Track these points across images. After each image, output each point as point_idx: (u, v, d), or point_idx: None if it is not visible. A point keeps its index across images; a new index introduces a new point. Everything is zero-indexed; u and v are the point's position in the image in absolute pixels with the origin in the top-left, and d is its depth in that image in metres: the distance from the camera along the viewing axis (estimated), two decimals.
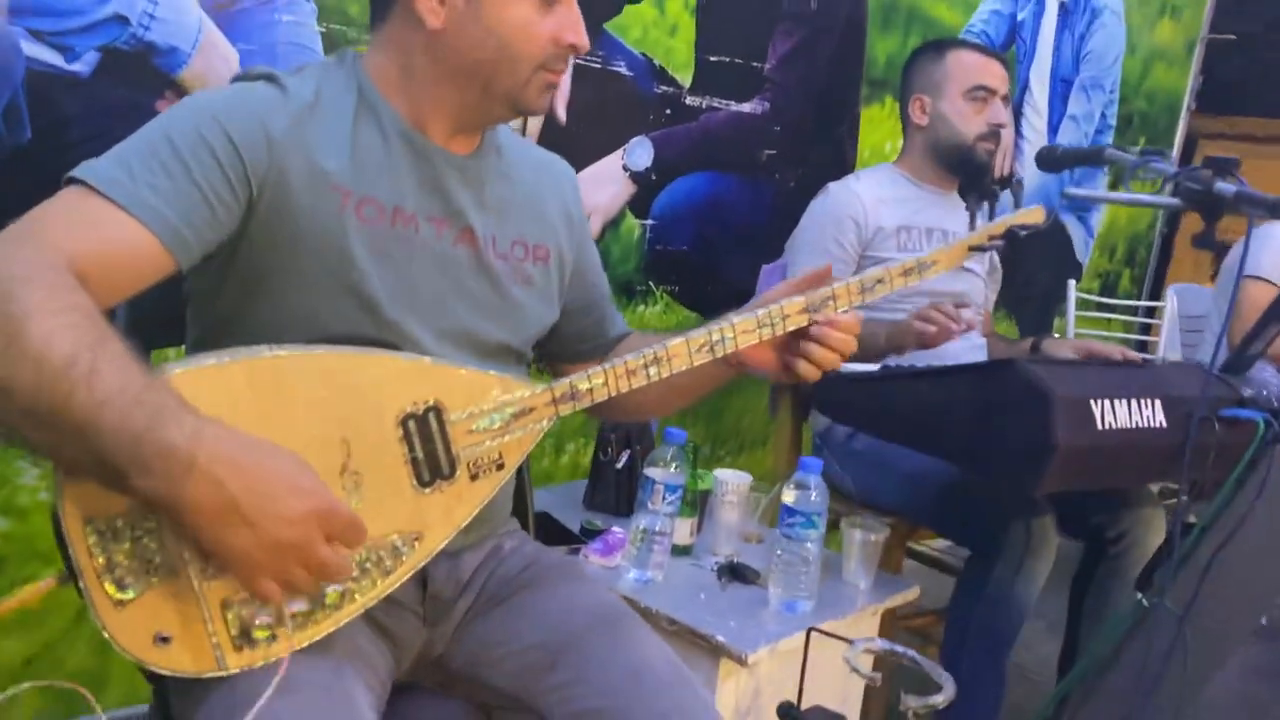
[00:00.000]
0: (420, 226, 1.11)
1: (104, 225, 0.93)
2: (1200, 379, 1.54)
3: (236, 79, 1.09)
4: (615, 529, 1.71)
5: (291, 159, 1.03)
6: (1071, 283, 3.61)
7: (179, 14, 1.68)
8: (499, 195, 1.19)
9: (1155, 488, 2.32)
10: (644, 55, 2.32)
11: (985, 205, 1.59)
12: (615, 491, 1.87)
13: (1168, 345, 3.63)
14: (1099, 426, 1.37)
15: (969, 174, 2.20)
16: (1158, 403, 1.45)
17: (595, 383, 1.09)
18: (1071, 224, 3.68)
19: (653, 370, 1.11)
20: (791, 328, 1.18)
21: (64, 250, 0.89)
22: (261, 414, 0.92)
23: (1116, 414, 1.39)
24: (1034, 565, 1.80)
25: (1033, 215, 1.36)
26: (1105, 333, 3.84)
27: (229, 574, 0.90)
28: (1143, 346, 3.78)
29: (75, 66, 1.61)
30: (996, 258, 2.37)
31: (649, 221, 2.41)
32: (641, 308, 2.43)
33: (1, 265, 0.85)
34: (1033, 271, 3.52)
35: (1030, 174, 3.38)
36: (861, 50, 2.77)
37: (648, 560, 1.59)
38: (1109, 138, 3.70)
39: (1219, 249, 1.47)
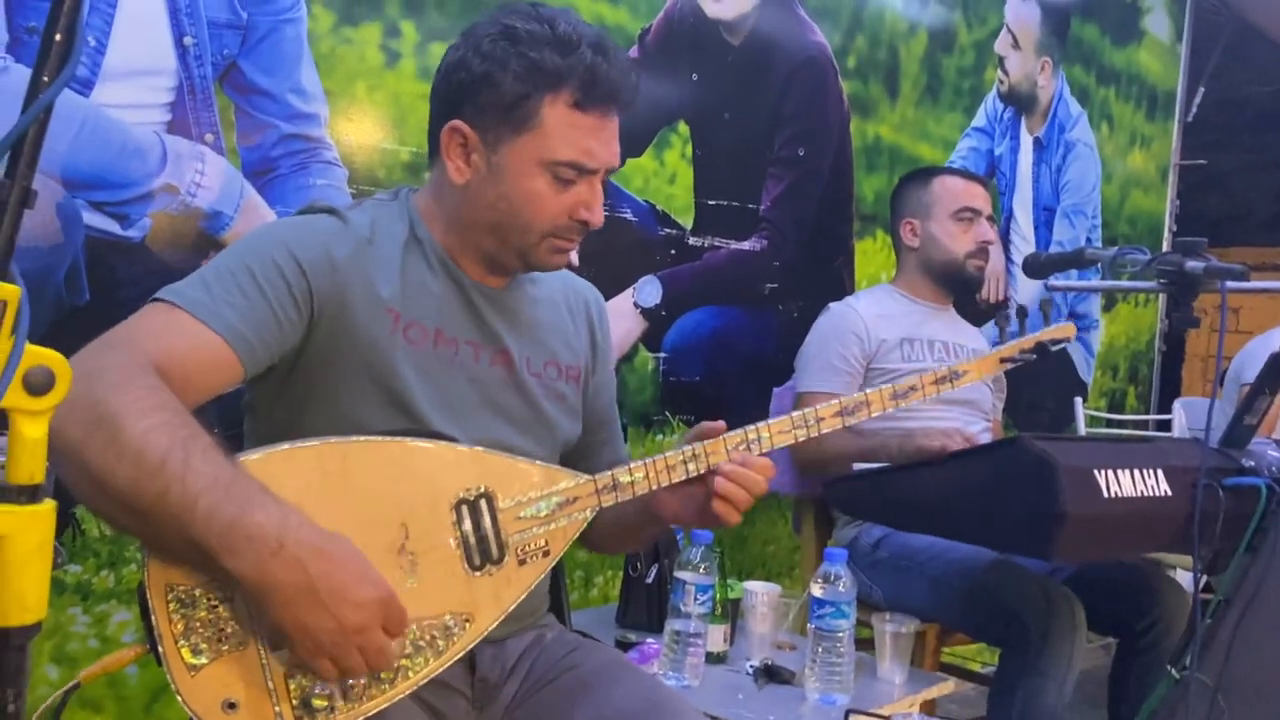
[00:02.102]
0: (460, 348, 1.20)
1: (186, 336, 1.04)
2: (1199, 452, 1.61)
3: (302, 212, 1.22)
4: (650, 640, 1.75)
5: (351, 283, 1.14)
6: (1078, 400, 3.69)
7: (223, 181, 1.85)
8: (531, 321, 1.29)
9: (1178, 575, 2.34)
10: (647, 202, 2.49)
11: (1017, 324, 1.67)
12: (647, 607, 1.91)
13: None
14: (1105, 495, 1.43)
15: (962, 289, 2.32)
16: (1159, 473, 1.51)
17: (636, 476, 1.16)
18: (1070, 343, 3.79)
19: (690, 466, 1.17)
20: (826, 430, 1.23)
21: (150, 355, 0.99)
22: (328, 496, 1.00)
23: (1121, 483, 1.46)
24: (1067, 653, 1.82)
25: (1064, 330, 1.46)
26: None
27: (293, 650, 0.96)
28: None
29: (130, 232, 1.76)
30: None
31: (661, 355, 2.52)
32: (660, 437, 2.52)
33: (95, 370, 0.95)
34: (1038, 395, 3.61)
35: (1025, 296, 3.51)
36: (850, 189, 2.95)
37: (683, 665, 1.62)
38: None
39: (1196, 324, 1.57)
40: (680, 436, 2.61)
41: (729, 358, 2.66)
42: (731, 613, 1.81)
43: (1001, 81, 3.42)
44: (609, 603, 2.26)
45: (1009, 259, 3.46)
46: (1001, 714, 1.87)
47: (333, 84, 1.98)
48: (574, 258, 2.34)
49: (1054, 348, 1.41)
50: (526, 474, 1.13)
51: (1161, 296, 4.35)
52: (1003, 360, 1.38)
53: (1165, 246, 4.28)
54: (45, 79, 0.68)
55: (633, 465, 1.16)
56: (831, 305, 2.29)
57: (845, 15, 2.92)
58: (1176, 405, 3.88)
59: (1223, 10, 4.40)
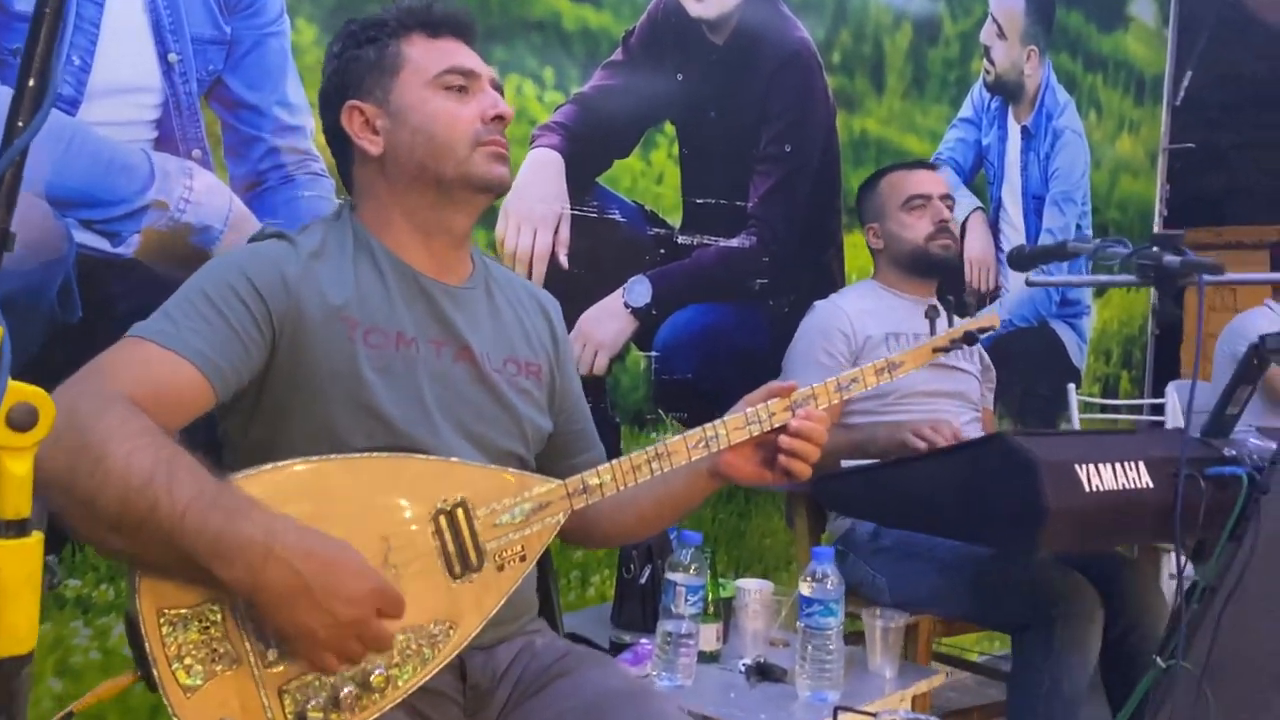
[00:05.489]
0: (420, 347, 1.24)
1: (156, 365, 1.07)
2: (1181, 442, 1.62)
3: (252, 239, 1.27)
4: (644, 640, 1.77)
5: (306, 299, 1.18)
6: (1071, 386, 3.70)
7: (212, 196, 1.86)
8: (490, 318, 1.33)
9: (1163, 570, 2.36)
10: (635, 202, 2.51)
11: (944, 314, 1.70)
12: (641, 607, 1.92)
13: None
14: (1086, 489, 1.45)
15: (936, 271, 2.35)
16: (1141, 464, 1.53)
17: (604, 478, 1.20)
18: (1062, 330, 3.80)
19: (655, 465, 1.22)
20: (777, 424, 1.28)
21: (123, 386, 1.03)
22: (311, 515, 1.02)
23: (1102, 477, 1.48)
24: (1092, 633, 1.84)
25: (988, 320, 1.53)
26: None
27: (295, 650, 0.99)
28: None
29: (120, 249, 1.78)
30: (988, 357, 2.49)
31: (653, 353, 2.54)
32: (653, 435, 2.53)
33: (74, 403, 0.98)
34: (1031, 382, 3.63)
35: (1017, 284, 3.53)
36: (837, 183, 2.96)
37: (675, 664, 1.64)
38: None
39: (1179, 317, 1.58)
40: (674, 434, 2.63)
41: (721, 354, 2.68)
42: (724, 611, 1.83)
43: (988, 71, 3.43)
44: (605, 602, 2.28)
45: (999, 248, 3.47)
46: (1026, 700, 1.87)
47: (318, 96, 1.99)
48: (564, 259, 2.36)
49: (981, 335, 1.48)
50: (500, 482, 1.16)
51: None
52: (935, 350, 1.44)
53: (1155, 231, 4.29)
54: (20, 124, 0.70)
55: (600, 468, 1.21)
56: (817, 304, 2.32)
57: (829, 10, 2.93)
58: (1170, 389, 3.89)
59: None
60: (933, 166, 2.48)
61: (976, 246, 3.39)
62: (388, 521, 1.08)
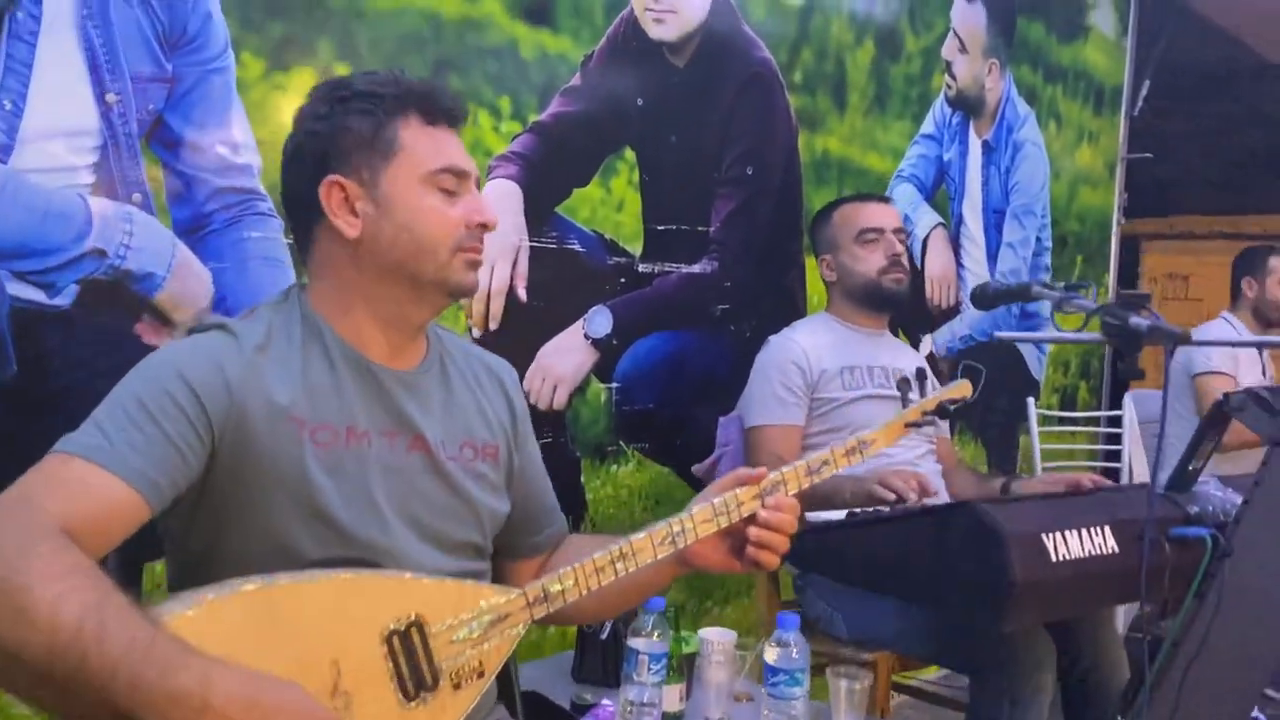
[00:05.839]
0: (373, 441, 1.19)
1: (88, 486, 1.01)
2: (1145, 502, 1.61)
3: (191, 331, 1.19)
4: (605, 702, 1.73)
5: (249, 399, 1.12)
6: (1030, 400, 3.71)
7: (153, 241, 1.79)
8: (445, 403, 1.28)
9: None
10: (594, 232, 2.46)
11: (915, 387, 1.66)
12: (602, 661, 1.89)
13: (1133, 452, 3.73)
14: (1052, 559, 1.43)
15: (889, 306, 2.35)
16: (1106, 529, 1.52)
17: (566, 584, 1.16)
18: (1022, 343, 3.81)
19: (620, 566, 1.18)
20: (746, 514, 1.26)
21: (54, 514, 0.96)
22: (257, 644, 0.97)
23: (1069, 545, 1.46)
24: (1039, 678, 1.83)
25: (961, 390, 1.50)
26: (1070, 445, 3.93)
27: None
28: (1113, 456, 3.87)
29: (57, 300, 1.70)
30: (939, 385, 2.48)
31: (614, 385, 2.50)
32: (614, 467, 2.50)
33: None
34: (991, 396, 3.63)
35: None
36: (799, 205, 2.93)
37: None
38: (1046, 259, 3.88)
39: (1141, 375, 1.56)
40: (635, 465, 2.59)
41: (682, 382, 2.65)
42: (687, 667, 1.80)
43: (949, 86, 3.41)
44: (566, 644, 2.24)
45: (960, 264, 3.47)
46: None
47: (265, 133, 1.91)
48: (522, 292, 2.30)
49: (953, 407, 1.46)
50: (456, 594, 1.12)
51: (1111, 287, 4.40)
52: (908, 425, 1.42)
53: (1113, 240, 4.31)
54: None
55: (562, 573, 1.16)
56: (771, 338, 2.31)
57: (791, 28, 2.89)
58: (1127, 399, 3.92)
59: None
60: (886, 199, 2.47)
61: (938, 264, 3.38)
62: (337, 646, 1.03)
